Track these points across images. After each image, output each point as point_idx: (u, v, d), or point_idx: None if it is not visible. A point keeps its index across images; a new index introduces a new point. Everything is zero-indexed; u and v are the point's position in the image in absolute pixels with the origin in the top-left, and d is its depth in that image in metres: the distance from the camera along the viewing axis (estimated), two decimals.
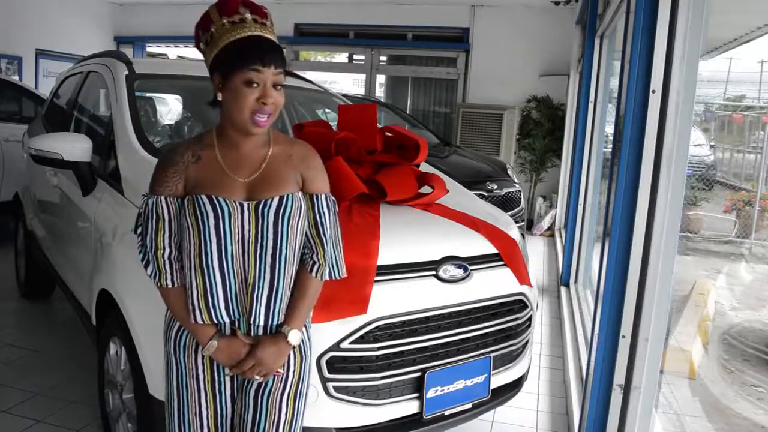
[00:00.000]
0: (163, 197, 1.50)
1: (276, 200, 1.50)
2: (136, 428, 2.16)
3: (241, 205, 1.48)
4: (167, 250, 1.50)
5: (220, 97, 1.48)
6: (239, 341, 1.53)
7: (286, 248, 1.51)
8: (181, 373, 1.56)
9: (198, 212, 1.46)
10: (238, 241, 1.48)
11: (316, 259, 1.58)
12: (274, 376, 1.56)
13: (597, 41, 4.87)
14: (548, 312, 4.60)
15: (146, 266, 1.53)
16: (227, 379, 1.57)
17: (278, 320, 1.54)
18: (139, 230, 1.53)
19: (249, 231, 1.48)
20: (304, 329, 1.60)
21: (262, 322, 1.52)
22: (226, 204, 1.47)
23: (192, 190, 1.49)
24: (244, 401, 1.58)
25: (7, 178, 5.44)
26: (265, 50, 1.45)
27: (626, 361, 2.03)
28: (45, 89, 6.52)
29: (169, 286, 1.52)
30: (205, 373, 1.55)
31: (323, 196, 1.59)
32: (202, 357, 1.54)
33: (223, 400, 1.58)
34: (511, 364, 2.35)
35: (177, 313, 1.54)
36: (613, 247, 2.03)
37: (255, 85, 1.43)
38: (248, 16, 1.47)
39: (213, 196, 1.46)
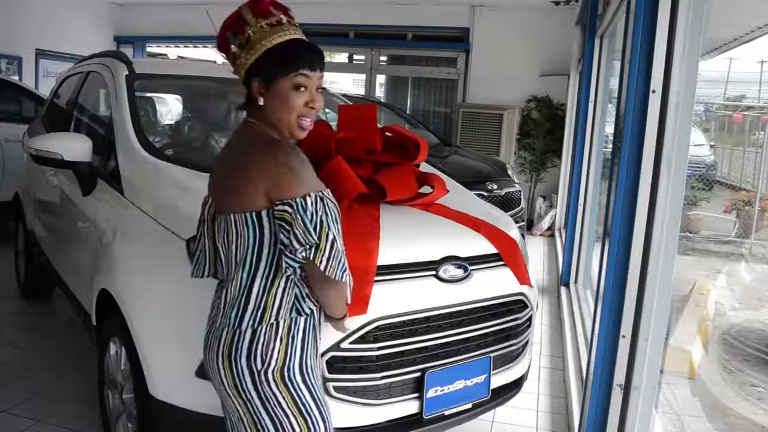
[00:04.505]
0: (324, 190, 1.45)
1: None
2: (136, 428, 2.16)
3: None
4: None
5: (261, 101, 1.46)
6: None
7: None
8: (317, 391, 1.54)
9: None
10: None
11: None
12: None
13: (597, 41, 4.87)
14: (548, 312, 4.60)
15: (343, 271, 1.46)
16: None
17: None
18: (315, 235, 1.41)
19: None
20: None
21: None
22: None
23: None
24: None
25: (7, 178, 5.44)
26: (313, 55, 1.46)
27: (626, 361, 2.03)
28: (45, 89, 6.51)
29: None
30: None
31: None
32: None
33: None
34: (511, 364, 2.35)
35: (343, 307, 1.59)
36: (613, 247, 2.03)
37: (303, 89, 1.44)
38: (283, 17, 1.46)
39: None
